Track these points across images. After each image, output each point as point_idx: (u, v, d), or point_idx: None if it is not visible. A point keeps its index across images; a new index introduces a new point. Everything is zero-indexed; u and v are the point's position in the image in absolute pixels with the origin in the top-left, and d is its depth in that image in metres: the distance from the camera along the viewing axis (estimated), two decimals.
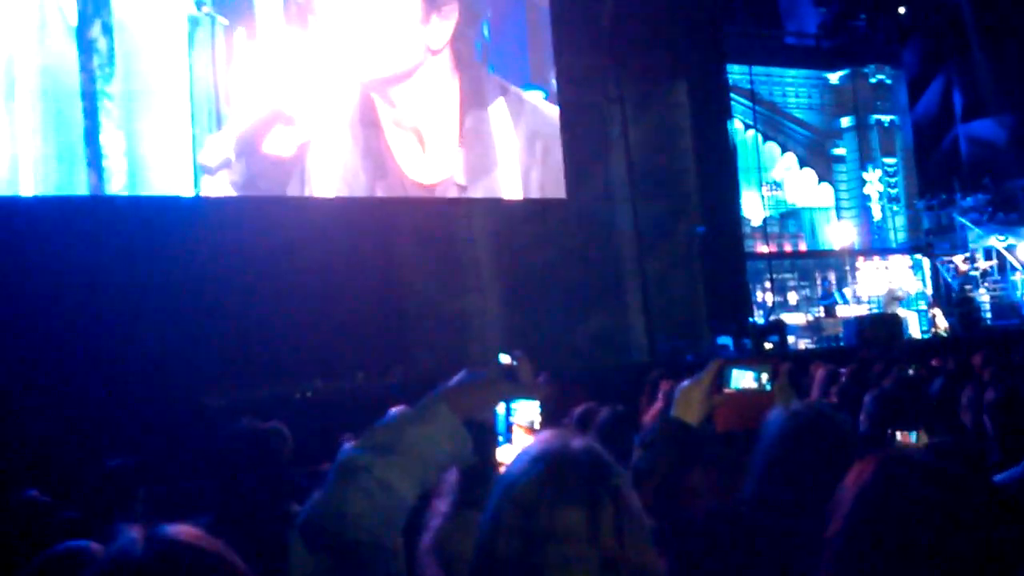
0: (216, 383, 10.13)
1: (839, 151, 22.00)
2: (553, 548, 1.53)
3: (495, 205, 14.03)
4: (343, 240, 12.03)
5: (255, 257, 11.31)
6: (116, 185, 11.20)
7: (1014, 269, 20.04)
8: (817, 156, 21.87)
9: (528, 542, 1.54)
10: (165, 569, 1.37)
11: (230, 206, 11.96)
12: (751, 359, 3.04)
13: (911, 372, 7.62)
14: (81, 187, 11.05)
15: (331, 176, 12.51)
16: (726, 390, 2.74)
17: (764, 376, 2.76)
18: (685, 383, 2.78)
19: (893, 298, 18.13)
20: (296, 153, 12.18)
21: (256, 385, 10.27)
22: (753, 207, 19.91)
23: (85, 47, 11.07)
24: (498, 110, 13.62)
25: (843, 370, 7.55)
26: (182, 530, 1.42)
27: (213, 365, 10.67)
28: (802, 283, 20.61)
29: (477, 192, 13.60)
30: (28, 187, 10.79)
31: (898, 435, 3.85)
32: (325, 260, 11.75)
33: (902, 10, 21.13)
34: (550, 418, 2.10)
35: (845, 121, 21.94)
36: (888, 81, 21.96)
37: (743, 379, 2.75)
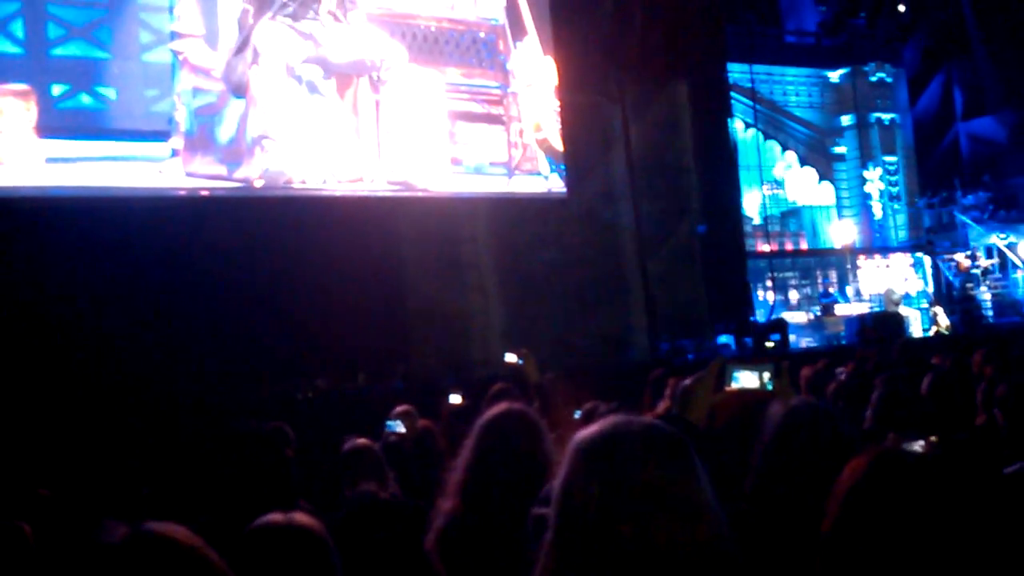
0: (218, 383, 10.16)
1: (840, 149, 22.01)
2: (633, 499, 1.63)
3: (497, 204, 14.05)
4: (345, 238, 12.03)
5: (256, 256, 11.33)
6: None
7: (1015, 267, 20.06)
8: (818, 154, 21.88)
9: (609, 490, 1.65)
10: (139, 558, 1.42)
11: (230, 203, 11.98)
12: (753, 358, 3.07)
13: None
14: None
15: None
16: (728, 388, 2.77)
17: (766, 375, 2.78)
18: (687, 381, 2.80)
19: (891, 300, 18.15)
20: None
21: (258, 385, 10.30)
22: (754, 206, 19.93)
23: None
24: None
25: (839, 369, 7.58)
26: (165, 526, 1.48)
27: (215, 365, 10.69)
28: (803, 282, 20.62)
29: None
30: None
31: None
32: (326, 259, 11.76)
33: (902, 8, 21.14)
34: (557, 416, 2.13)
35: (846, 119, 21.94)
36: (888, 79, 21.96)
37: (745, 378, 2.77)
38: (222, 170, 11.85)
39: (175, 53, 11.70)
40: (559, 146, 14.39)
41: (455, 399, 6.50)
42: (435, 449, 5.63)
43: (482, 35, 14.07)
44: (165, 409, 9.01)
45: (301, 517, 2.44)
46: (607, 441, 1.70)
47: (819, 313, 18.93)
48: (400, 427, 5.92)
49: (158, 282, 10.88)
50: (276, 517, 2.42)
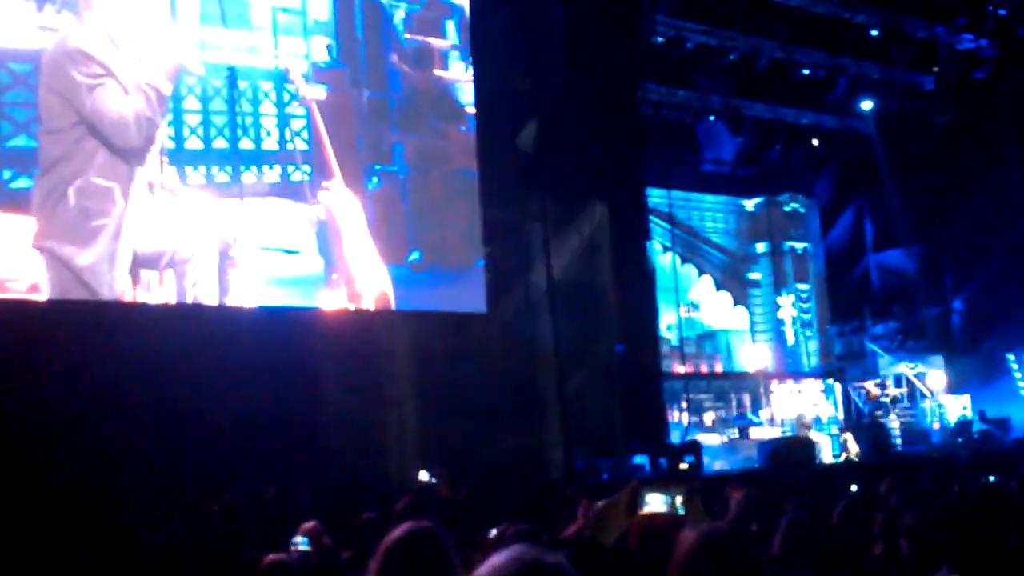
0: (124, 496, 9.88)
1: (754, 276, 22.48)
2: None
3: (415, 318, 14.04)
4: (259, 350, 11.89)
5: (168, 366, 11.12)
6: None
7: (924, 396, 20.43)
8: (733, 280, 22.31)
9: None
10: None
11: (139, 313, 11.85)
12: (666, 481, 3.09)
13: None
14: None
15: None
16: (641, 512, 2.77)
17: (678, 499, 2.80)
18: (600, 503, 2.81)
19: (802, 425, 18.37)
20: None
21: (164, 498, 10.03)
22: (671, 327, 20.16)
23: None
24: None
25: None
26: None
27: (122, 479, 10.40)
28: (718, 404, 20.78)
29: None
30: None
31: None
32: (241, 370, 11.59)
33: (815, 142, 21.80)
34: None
35: (760, 247, 22.46)
36: (802, 210, 22.61)
37: (656, 502, 2.78)
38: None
39: None
40: None
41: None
42: (339, 567, 5.58)
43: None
44: (70, 524, 8.73)
45: None
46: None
47: (736, 435, 19.05)
48: (307, 544, 5.91)
49: (63, 393, 10.60)
50: None
